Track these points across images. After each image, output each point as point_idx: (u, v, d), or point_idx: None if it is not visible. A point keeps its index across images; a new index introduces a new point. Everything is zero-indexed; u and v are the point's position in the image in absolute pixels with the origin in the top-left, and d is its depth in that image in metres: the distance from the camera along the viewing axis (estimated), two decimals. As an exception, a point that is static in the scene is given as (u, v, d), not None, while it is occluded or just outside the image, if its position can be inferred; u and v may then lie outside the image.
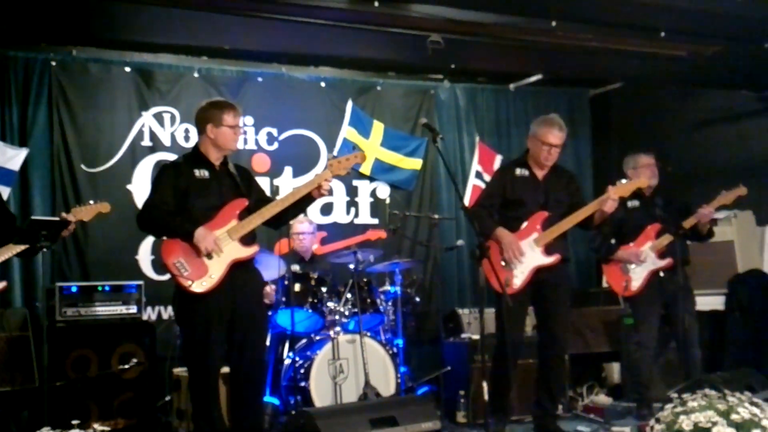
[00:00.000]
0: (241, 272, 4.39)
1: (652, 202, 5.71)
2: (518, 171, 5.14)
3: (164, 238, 4.41)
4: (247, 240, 4.40)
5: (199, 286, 4.25)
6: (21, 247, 4.35)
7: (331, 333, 5.55)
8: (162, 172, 4.49)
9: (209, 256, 4.26)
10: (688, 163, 7.30)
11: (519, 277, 4.92)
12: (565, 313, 5.19)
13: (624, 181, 5.11)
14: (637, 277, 5.62)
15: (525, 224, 5.01)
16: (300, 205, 4.56)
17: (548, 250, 4.99)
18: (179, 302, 4.42)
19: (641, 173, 5.62)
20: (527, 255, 4.96)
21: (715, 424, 2.98)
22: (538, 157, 5.08)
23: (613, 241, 5.76)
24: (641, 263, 5.60)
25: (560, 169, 5.24)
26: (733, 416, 3.01)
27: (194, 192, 4.37)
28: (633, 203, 5.72)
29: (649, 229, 5.64)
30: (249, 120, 7.01)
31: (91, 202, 4.67)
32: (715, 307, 6.66)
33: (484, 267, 4.99)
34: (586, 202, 5.14)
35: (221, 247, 4.27)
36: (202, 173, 4.42)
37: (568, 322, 5.42)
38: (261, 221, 4.42)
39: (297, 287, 5.77)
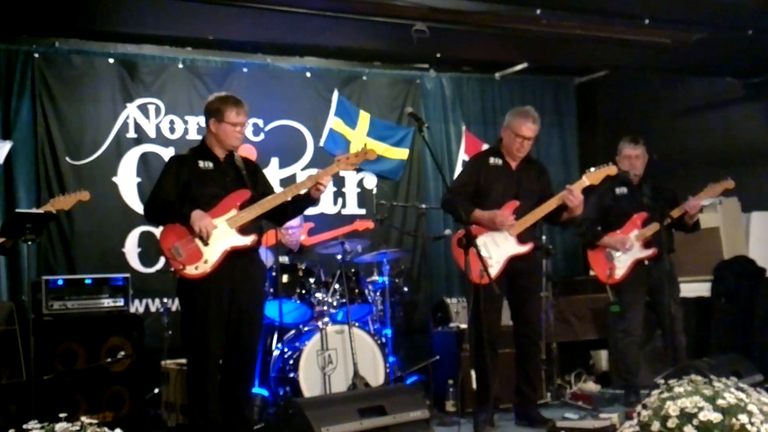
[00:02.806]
0: (244, 262, 4.42)
1: (640, 191, 5.71)
2: (492, 160, 5.17)
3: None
4: (247, 230, 4.41)
5: (191, 270, 4.27)
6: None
7: (320, 324, 5.54)
8: (167, 164, 4.57)
9: (205, 242, 4.27)
10: (674, 150, 7.33)
11: (494, 267, 4.91)
12: (538, 300, 5.29)
13: (593, 169, 5.17)
14: (622, 265, 5.62)
15: None
16: (302, 204, 4.60)
17: (521, 239, 5.02)
18: (179, 290, 4.47)
19: (620, 162, 5.68)
20: (501, 244, 4.98)
21: (701, 409, 3.00)
22: (510, 148, 5.11)
23: (599, 228, 5.78)
24: (627, 251, 5.61)
25: (532, 160, 5.29)
26: (719, 401, 3.02)
27: (196, 182, 4.41)
28: (621, 190, 5.74)
29: (635, 218, 5.64)
30: (234, 111, 6.98)
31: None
32: (701, 293, 6.69)
33: (456, 256, 5.00)
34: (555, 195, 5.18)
35: (213, 228, 4.27)
36: (206, 164, 4.47)
37: (541, 309, 5.51)
38: (261, 212, 4.43)
39: (285, 278, 5.77)
